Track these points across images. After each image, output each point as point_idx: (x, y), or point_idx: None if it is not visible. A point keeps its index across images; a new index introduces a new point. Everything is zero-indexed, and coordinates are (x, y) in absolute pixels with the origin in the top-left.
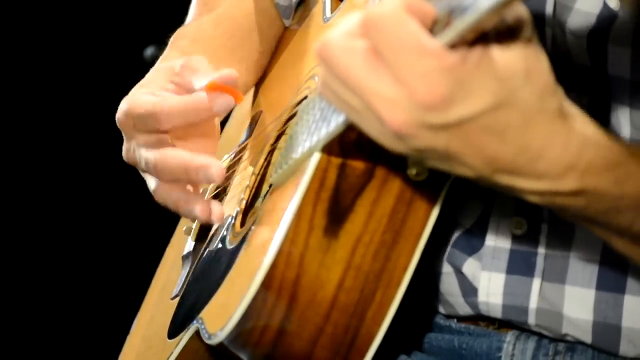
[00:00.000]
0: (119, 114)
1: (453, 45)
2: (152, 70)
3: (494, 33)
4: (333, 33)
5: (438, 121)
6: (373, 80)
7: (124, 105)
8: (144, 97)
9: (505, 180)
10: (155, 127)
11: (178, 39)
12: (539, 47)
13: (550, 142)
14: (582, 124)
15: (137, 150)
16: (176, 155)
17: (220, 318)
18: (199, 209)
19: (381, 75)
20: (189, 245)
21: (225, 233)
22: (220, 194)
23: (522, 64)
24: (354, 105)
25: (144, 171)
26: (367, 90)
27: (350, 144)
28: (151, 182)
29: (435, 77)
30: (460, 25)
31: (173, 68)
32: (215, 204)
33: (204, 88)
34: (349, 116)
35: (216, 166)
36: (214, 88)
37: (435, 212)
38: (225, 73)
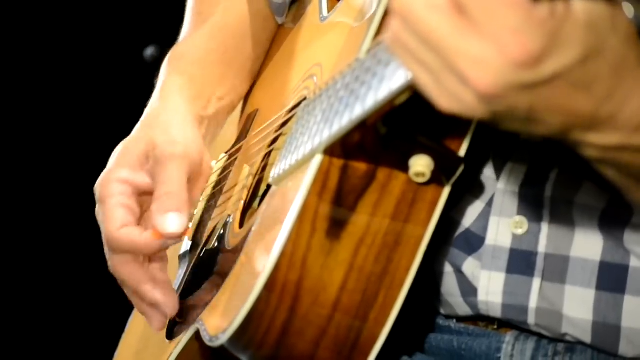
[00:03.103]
0: (95, 187)
1: None
2: (143, 118)
3: None
4: None
5: (529, 79)
6: (458, 39)
7: (100, 184)
8: (112, 193)
9: (578, 135)
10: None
11: (176, 60)
12: None
13: (632, 92)
14: None
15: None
16: (133, 280)
17: (221, 320)
18: (154, 324)
19: (466, 33)
20: (186, 244)
21: (222, 232)
22: (216, 194)
23: (607, 11)
24: (431, 66)
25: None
26: (451, 50)
27: (353, 145)
28: (106, 248)
29: (527, 32)
30: None
31: (147, 152)
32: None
33: (155, 229)
34: (419, 77)
35: (171, 308)
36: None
37: (437, 214)
38: (174, 231)
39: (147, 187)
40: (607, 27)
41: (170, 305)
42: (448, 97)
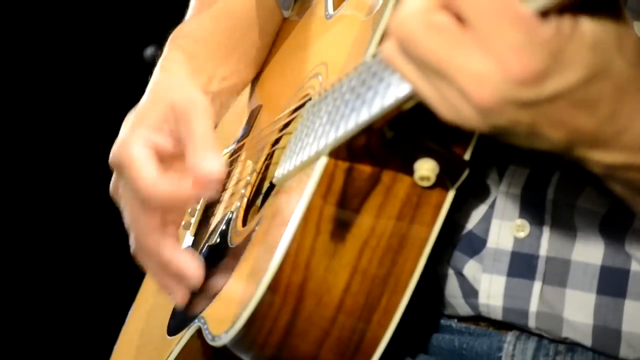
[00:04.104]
0: (112, 157)
1: (545, 14)
2: (149, 91)
3: (582, 2)
4: (408, 8)
5: (529, 97)
6: (458, 55)
7: (118, 152)
8: (138, 157)
9: (582, 152)
10: (139, 199)
11: (179, 38)
12: (627, 15)
13: (637, 113)
14: None
15: (123, 205)
16: (159, 249)
17: (224, 320)
18: (177, 297)
19: (468, 48)
20: (188, 239)
21: (225, 228)
22: None
23: (614, 31)
24: (431, 80)
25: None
26: (452, 67)
27: (359, 148)
28: (131, 236)
29: (530, 50)
30: None
31: (170, 112)
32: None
33: (194, 171)
34: (419, 89)
35: (196, 277)
36: (204, 179)
37: (441, 217)
38: (217, 169)
39: (169, 150)
40: (613, 48)
41: (197, 273)
42: (449, 108)
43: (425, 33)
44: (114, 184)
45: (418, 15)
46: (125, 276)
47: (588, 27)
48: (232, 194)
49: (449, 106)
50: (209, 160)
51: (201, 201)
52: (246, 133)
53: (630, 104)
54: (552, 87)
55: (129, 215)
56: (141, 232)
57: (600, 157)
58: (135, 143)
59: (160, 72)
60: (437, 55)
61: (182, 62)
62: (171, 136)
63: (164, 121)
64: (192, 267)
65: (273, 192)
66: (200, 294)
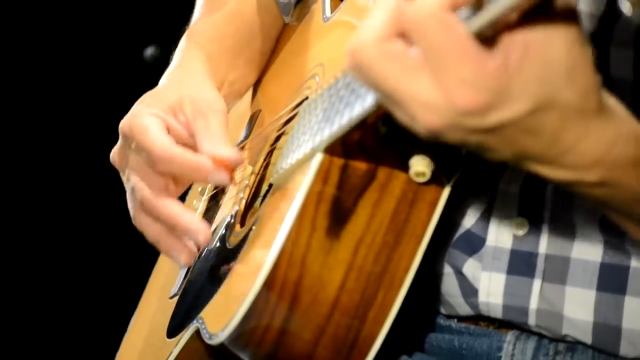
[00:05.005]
0: (123, 125)
1: (485, 39)
2: (167, 80)
3: (536, 16)
4: (364, 35)
5: (474, 125)
6: (409, 83)
7: (130, 120)
8: (151, 124)
9: (532, 167)
10: (149, 162)
11: (196, 35)
12: (583, 38)
13: (583, 138)
14: (619, 119)
15: (128, 171)
16: (167, 208)
17: (221, 318)
18: (182, 257)
19: (418, 77)
20: None
21: (224, 232)
22: (218, 193)
23: (565, 60)
24: (386, 102)
25: (126, 182)
26: (403, 94)
27: (353, 144)
28: (130, 202)
29: (475, 85)
30: (495, 10)
31: (182, 102)
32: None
33: (209, 155)
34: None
35: (205, 234)
36: (219, 163)
37: (437, 214)
38: (235, 156)
39: (180, 135)
40: (562, 79)
41: (205, 229)
42: (406, 123)
43: (379, 61)
44: (117, 151)
45: (373, 43)
46: (128, 281)
47: (537, 58)
48: (231, 197)
49: (404, 120)
50: (225, 148)
51: (201, 205)
52: (246, 137)
53: (576, 131)
54: (496, 118)
55: (135, 177)
56: (148, 193)
57: (549, 173)
58: (149, 114)
59: (180, 65)
60: (389, 82)
61: (202, 61)
62: (184, 127)
63: (179, 110)
64: (201, 224)
65: (270, 192)
66: (199, 296)
